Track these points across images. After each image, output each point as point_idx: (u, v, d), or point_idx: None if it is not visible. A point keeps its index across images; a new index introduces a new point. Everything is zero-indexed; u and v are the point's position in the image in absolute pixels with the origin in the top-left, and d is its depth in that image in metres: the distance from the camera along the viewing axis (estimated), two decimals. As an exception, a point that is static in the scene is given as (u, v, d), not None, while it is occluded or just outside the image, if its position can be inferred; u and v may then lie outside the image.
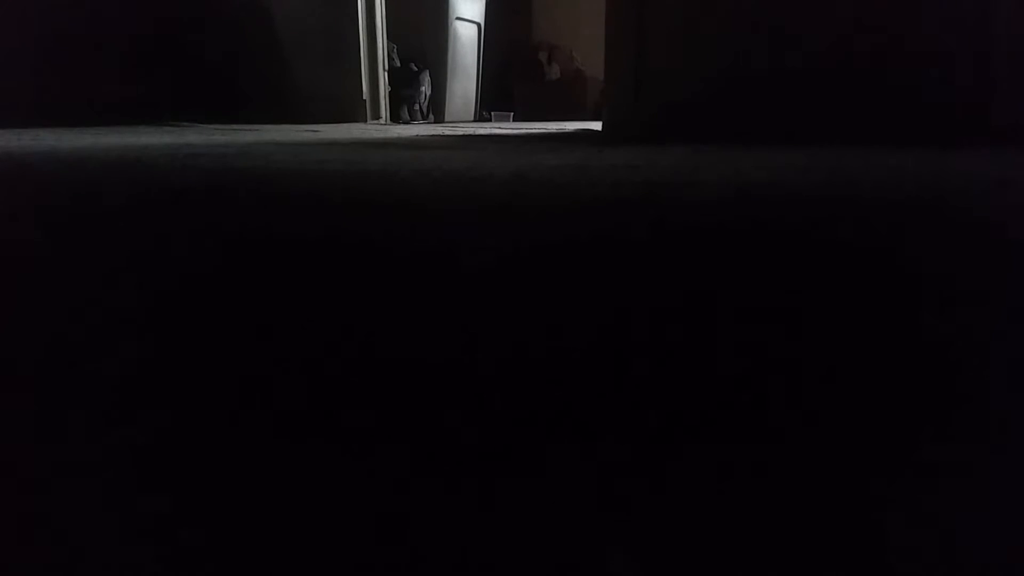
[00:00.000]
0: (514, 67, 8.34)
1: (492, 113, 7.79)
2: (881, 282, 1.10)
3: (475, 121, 7.43)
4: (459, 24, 7.05)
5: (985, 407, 0.68)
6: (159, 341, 0.86)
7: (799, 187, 2.10)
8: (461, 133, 5.05)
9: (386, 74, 6.53)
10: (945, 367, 0.77)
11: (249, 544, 0.48)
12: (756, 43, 3.78)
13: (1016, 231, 1.51)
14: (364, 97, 6.36)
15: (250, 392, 0.70)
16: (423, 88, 6.97)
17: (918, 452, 0.59)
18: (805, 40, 3.72)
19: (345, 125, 5.83)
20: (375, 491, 0.53)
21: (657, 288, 1.07)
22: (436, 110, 7.10)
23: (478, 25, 7.41)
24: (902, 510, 0.51)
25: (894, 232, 1.47)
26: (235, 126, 5.42)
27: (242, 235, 1.47)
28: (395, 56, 6.77)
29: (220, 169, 2.60)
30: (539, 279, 1.12)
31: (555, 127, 5.85)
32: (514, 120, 7.65)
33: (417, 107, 6.99)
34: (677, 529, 0.49)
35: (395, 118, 6.74)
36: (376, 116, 6.44)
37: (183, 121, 5.61)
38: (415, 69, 6.92)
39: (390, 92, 6.62)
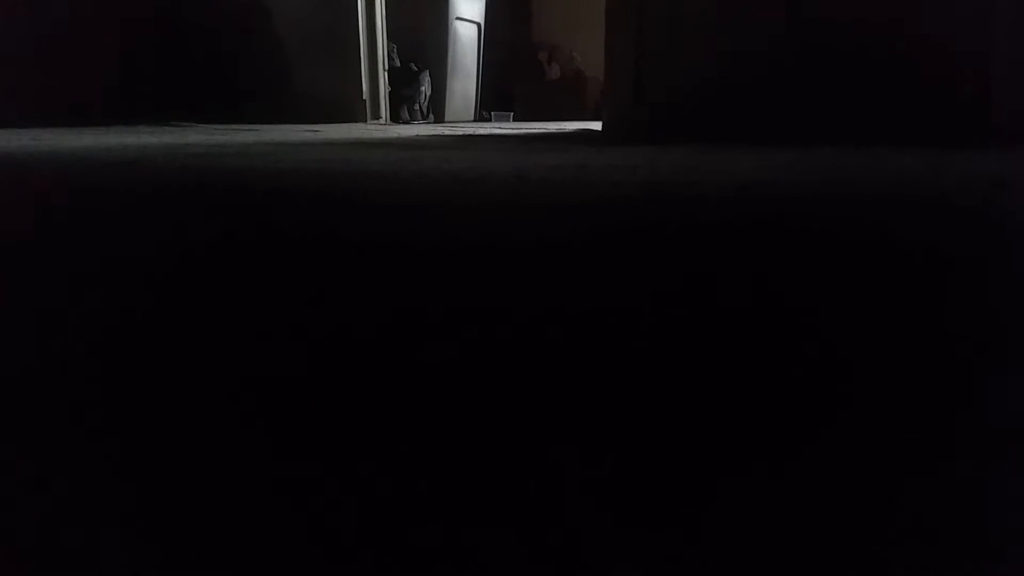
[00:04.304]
0: (514, 67, 8.34)
1: (492, 113, 7.79)
2: (881, 280, 1.10)
3: (475, 121, 7.43)
4: (459, 24, 7.05)
5: (992, 405, 0.68)
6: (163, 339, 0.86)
7: (799, 186, 2.10)
8: (461, 133, 5.05)
9: (386, 74, 6.52)
10: (948, 365, 0.77)
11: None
12: (756, 44, 3.78)
13: (1014, 230, 1.52)
14: (364, 97, 6.35)
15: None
16: (423, 88, 6.96)
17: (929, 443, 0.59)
18: (805, 40, 3.71)
19: (345, 125, 5.82)
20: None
21: (657, 284, 1.07)
22: (436, 110, 7.10)
23: (478, 25, 7.40)
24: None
25: (894, 231, 1.47)
26: (235, 126, 5.41)
27: (241, 234, 1.47)
28: (395, 56, 6.76)
29: (220, 169, 2.59)
30: (538, 277, 1.12)
31: (555, 127, 5.85)
32: (514, 120, 7.64)
33: (417, 107, 6.98)
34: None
35: (395, 118, 6.73)
36: (376, 116, 6.44)
37: (183, 121, 5.61)
38: (415, 69, 6.91)
39: (390, 92, 6.61)
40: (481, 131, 5.29)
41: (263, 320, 0.91)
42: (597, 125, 4.79)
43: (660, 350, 0.81)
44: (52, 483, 0.54)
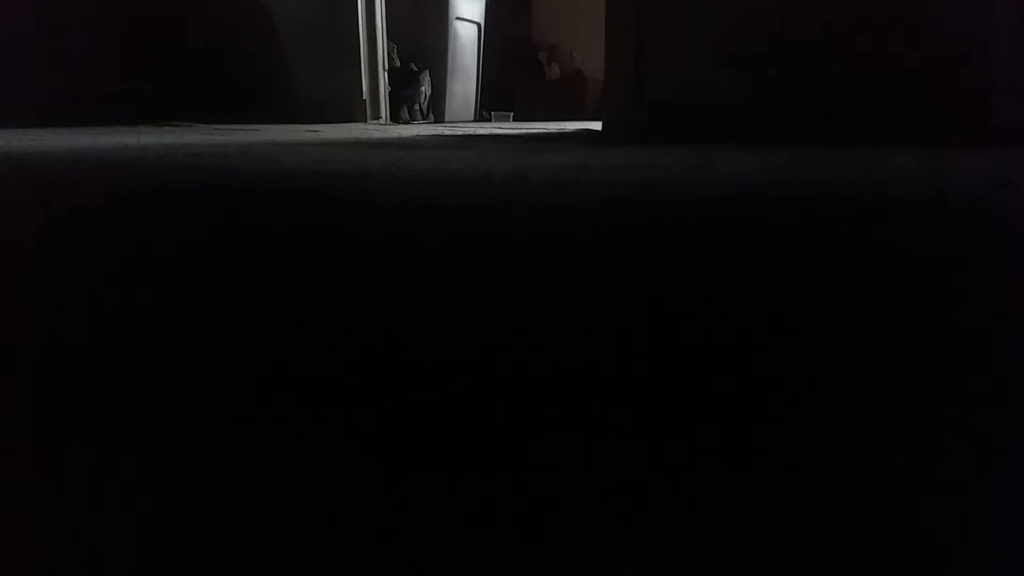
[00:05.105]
0: (514, 67, 8.34)
1: (492, 113, 7.79)
2: (880, 280, 1.10)
3: (475, 121, 7.43)
4: (459, 24, 7.05)
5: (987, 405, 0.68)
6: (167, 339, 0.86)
7: (798, 186, 2.10)
8: (461, 133, 5.05)
9: (386, 74, 6.52)
10: (942, 363, 0.77)
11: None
12: (756, 43, 3.78)
13: (1014, 230, 1.52)
14: (364, 97, 6.36)
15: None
16: (423, 88, 6.96)
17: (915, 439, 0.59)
18: (804, 40, 3.71)
19: (345, 125, 5.82)
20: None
21: (658, 285, 1.07)
22: (436, 110, 7.10)
23: (478, 25, 7.41)
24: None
25: (894, 231, 1.47)
26: (235, 126, 5.42)
27: (243, 234, 1.47)
28: (395, 56, 6.76)
29: (220, 169, 2.60)
30: (538, 278, 1.12)
31: (555, 127, 5.85)
32: (514, 120, 7.64)
33: (417, 107, 6.99)
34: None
35: (395, 118, 6.73)
36: (376, 116, 6.44)
37: (183, 121, 5.61)
38: (415, 69, 6.91)
39: (390, 92, 6.62)
40: (481, 131, 5.29)
41: (262, 320, 0.91)
42: (597, 125, 4.80)
43: (661, 350, 0.81)
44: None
